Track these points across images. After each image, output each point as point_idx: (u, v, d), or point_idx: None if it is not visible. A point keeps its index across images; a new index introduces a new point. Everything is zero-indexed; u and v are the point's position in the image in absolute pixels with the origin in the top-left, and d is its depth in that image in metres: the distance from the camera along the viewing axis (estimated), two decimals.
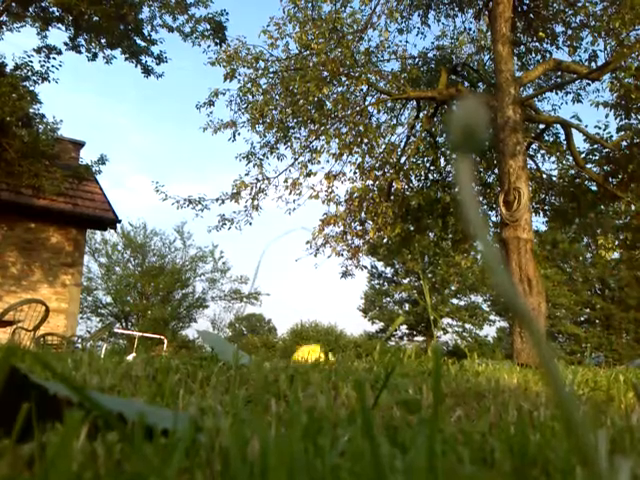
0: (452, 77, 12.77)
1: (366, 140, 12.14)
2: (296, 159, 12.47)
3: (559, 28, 12.15)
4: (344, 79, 11.87)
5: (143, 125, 68.60)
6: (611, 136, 11.23)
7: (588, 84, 12.00)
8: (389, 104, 12.98)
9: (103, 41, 11.81)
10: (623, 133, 10.88)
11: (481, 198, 13.50)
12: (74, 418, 0.45)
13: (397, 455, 0.64)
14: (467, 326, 36.90)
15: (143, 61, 12.17)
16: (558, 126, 12.12)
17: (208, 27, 11.98)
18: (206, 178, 66.25)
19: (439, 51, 13.54)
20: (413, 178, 13.40)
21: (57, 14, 11.40)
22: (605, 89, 11.21)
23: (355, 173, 12.46)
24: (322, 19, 11.46)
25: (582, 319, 36.76)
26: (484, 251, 0.31)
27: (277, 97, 12.01)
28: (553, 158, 12.91)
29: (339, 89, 12.05)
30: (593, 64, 11.01)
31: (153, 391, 1.11)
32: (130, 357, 1.81)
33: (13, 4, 10.87)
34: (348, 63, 11.39)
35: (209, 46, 12.15)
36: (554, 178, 12.91)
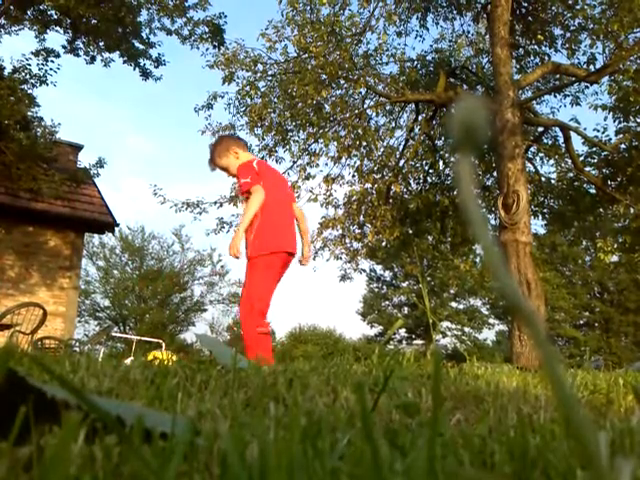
0: (451, 80, 12.79)
1: (365, 143, 12.16)
2: (295, 162, 12.48)
3: (557, 31, 12.19)
4: (343, 82, 11.89)
5: (141, 128, 68.60)
6: (610, 139, 11.25)
7: (587, 87, 12.02)
8: (388, 107, 13.00)
9: (101, 44, 11.82)
10: (622, 136, 10.90)
11: (480, 201, 13.50)
12: (72, 421, 0.45)
13: (397, 458, 0.63)
14: (466, 329, 36.92)
15: (141, 64, 12.18)
16: (557, 129, 12.14)
17: (206, 30, 11.99)
18: (204, 181, 66.24)
19: (438, 54, 13.57)
20: (412, 181, 13.42)
21: (55, 17, 11.40)
22: (604, 92, 11.24)
23: (354, 176, 12.48)
24: (321, 22, 11.48)
25: (581, 322, 36.78)
26: (486, 251, 0.31)
27: (276, 100, 12.03)
28: (552, 161, 12.94)
29: (338, 92, 12.07)
30: (592, 67, 11.04)
31: (151, 394, 1.10)
32: (128, 361, 1.81)
33: (11, 7, 10.88)
34: (347, 66, 11.40)
35: (207, 49, 12.18)
36: (553, 181, 12.93)
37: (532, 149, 12.63)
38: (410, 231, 13.27)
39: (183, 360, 1.76)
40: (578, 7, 10.99)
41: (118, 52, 11.89)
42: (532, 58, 12.86)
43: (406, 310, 36.16)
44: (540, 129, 12.56)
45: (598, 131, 11.26)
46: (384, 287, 37.19)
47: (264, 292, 3.70)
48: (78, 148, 13.60)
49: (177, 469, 0.52)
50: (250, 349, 3.45)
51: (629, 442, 0.83)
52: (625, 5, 9.05)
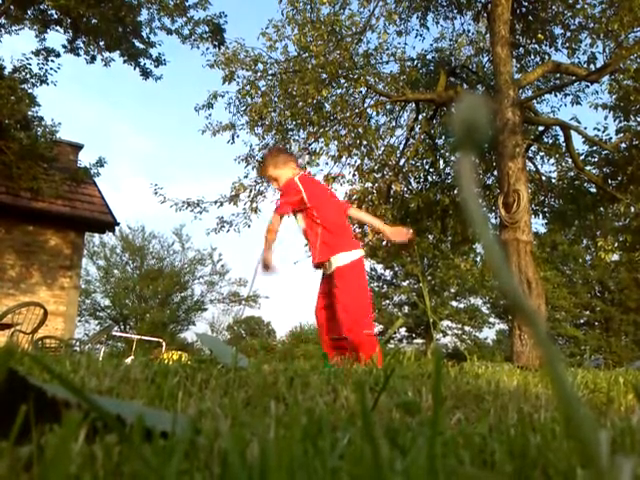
0: (451, 79, 12.78)
1: (365, 142, 12.14)
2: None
3: (558, 30, 12.19)
4: (343, 81, 11.89)
5: (141, 128, 68.71)
6: (610, 138, 11.26)
7: (587, 86, 12.01)
8: (388, 106, 12.99)
9: (101, 43, 11.82)
10: (622, 135, 10.90)
11: (480, 200, 13.44)
12: (72, 420, 0.45)
13: (397, 457, 0.63)
14: (466, 328, 36.93)
15: (141, 63, 12.18)
16: (557, 128, 12.13)
17: (207, 29, 11.99)
18: (205, 180, 66.38)
19: (438, 53, 13.55)
20: (412, 180, 13.41)
21: (55, 17, 11.40)
22: (604, 91, 11.26)
23: (354, 175, 12.46)
24: (321, 21, 11.47)
25: (582, 321, 36.79)
26: (487, 250, 0.31)
27: (276, 99, 12.02)
28: (552, 160, 12.94)
29: (338, 91, 12.07)
30: (592, 66, 11.03)
31: (152, 394, 1.10)
32: (128, 360, 1.81)
33: (11, 7, 10.88)
34: (347, 65, 11.40)
35: (208, 48, 12.17)
36: (553, 180, 12.94)
37: (533, 148, 12.62)
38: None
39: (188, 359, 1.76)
40: (578, 6, 10.99)
41: (118, 51, 11.89)
42: (532, 57, 12.87)
43: (406, 309, 36.14)
44: (540, 128, 12.55)
45: (598, 130, 11.28)
46: (384, 286, 37.15)
47: (367, 295, 3.71)
48: (78, 147, 13.60)
49: (178, 468, 0.52)
50: (364, 350, 3.28)
51: (630, 441, 0.82)
52: (625, 4, 9.04)
